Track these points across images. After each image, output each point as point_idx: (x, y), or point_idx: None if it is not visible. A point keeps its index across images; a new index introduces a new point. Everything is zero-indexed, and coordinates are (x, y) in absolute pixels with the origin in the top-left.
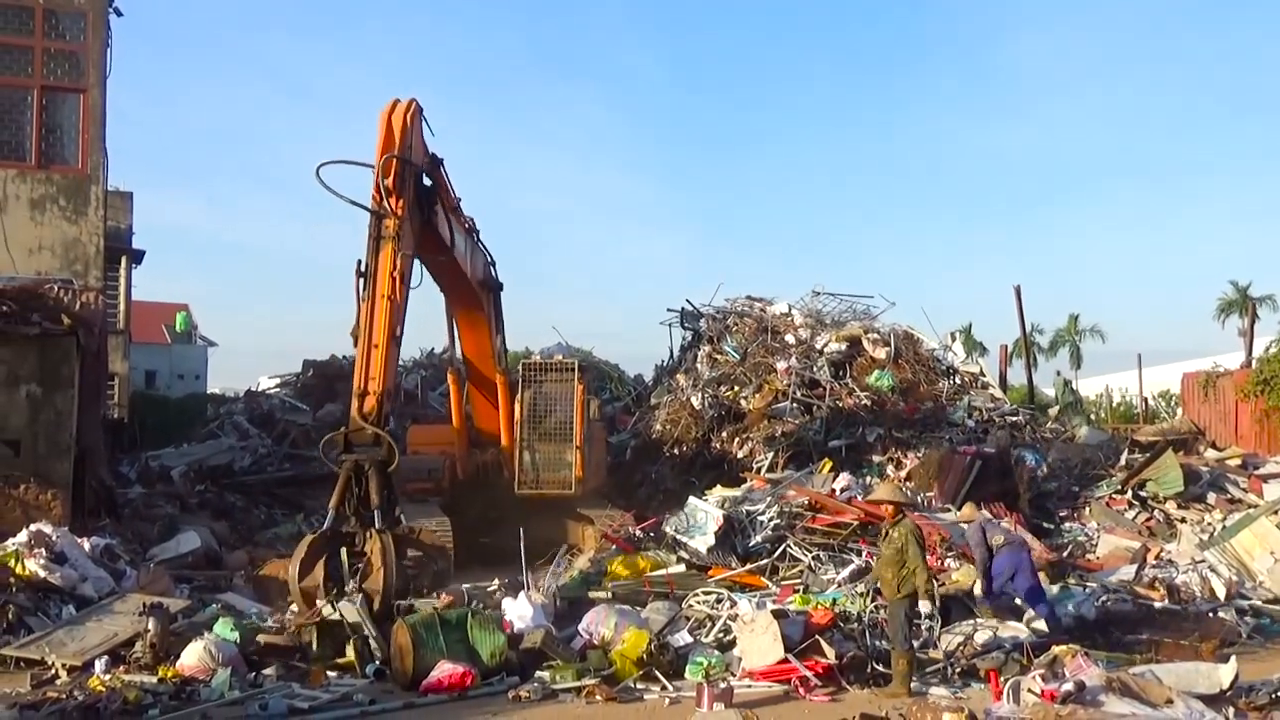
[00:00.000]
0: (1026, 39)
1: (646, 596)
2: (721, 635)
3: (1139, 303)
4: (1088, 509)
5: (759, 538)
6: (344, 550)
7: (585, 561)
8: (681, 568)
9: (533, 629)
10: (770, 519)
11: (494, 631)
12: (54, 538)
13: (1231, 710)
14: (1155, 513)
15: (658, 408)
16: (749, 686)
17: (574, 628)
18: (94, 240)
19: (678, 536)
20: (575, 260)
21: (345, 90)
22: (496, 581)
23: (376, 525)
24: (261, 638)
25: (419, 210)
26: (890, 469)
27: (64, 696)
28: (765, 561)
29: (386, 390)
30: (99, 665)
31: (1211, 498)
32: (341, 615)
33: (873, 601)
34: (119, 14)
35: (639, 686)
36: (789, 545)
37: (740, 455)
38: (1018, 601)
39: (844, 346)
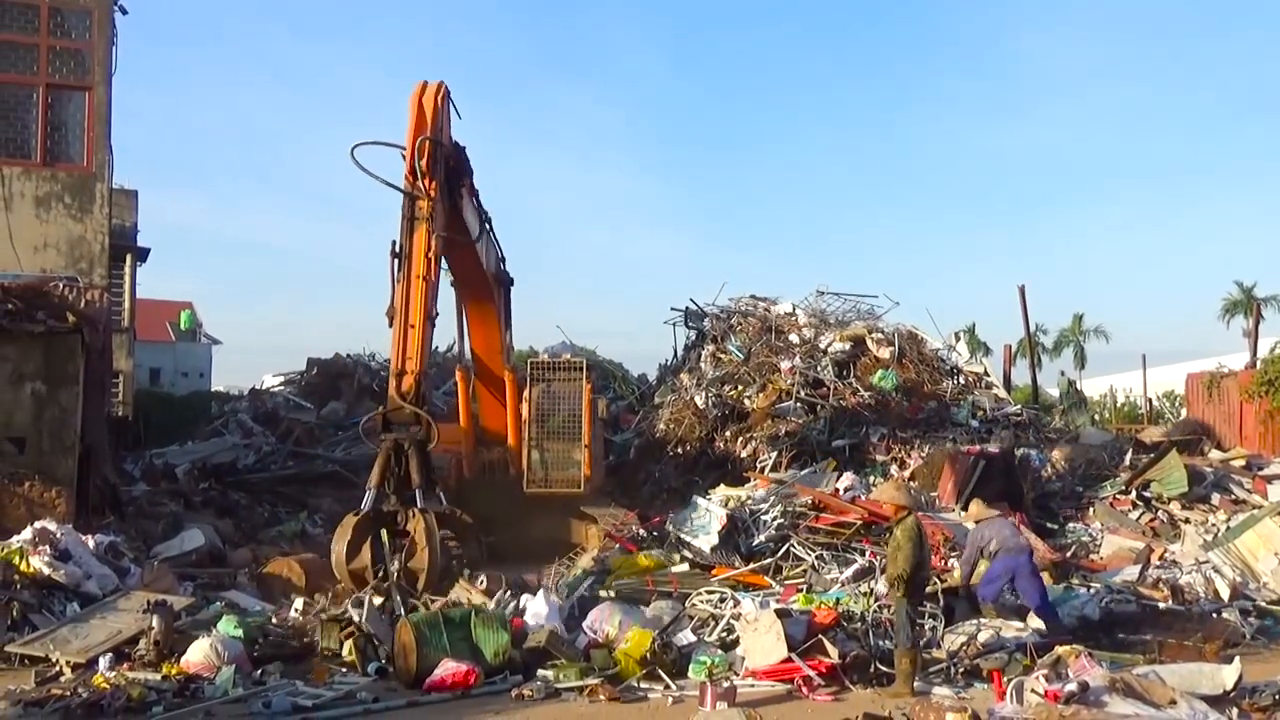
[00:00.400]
0: (1030, 37)
1: (650, 596)
2: (725, 634)
3: (1143, 303)
4: (1092, 509)
5: (762, 537)
6: (385, 530)
7: (589, 560)
8: (685, 567)
9: (543, 627)
10: (774, 518)
11: (497, 630)
12: (58, 535)
13: (1235, 711)
14: (1159, 513)
15: (661, 407)
16: (752, 686)
17: (578, 626)
18: (99, 238)
19: (681, 536)
20: (579, 259)
21: (350, 89)
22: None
23: (419, 504)
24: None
25: (447, 194)
26: (894, 469)
27: (68, 694)
28: (769, 561)
29: (424, 369)
30: (103, 662)
31: (1216, 498)
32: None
33: (875, 601)
34: (124, 12)
35: (643, 686)
36: (792, 545)
37: (744, 455)
38: (1021, 603)
39: (848, 346)
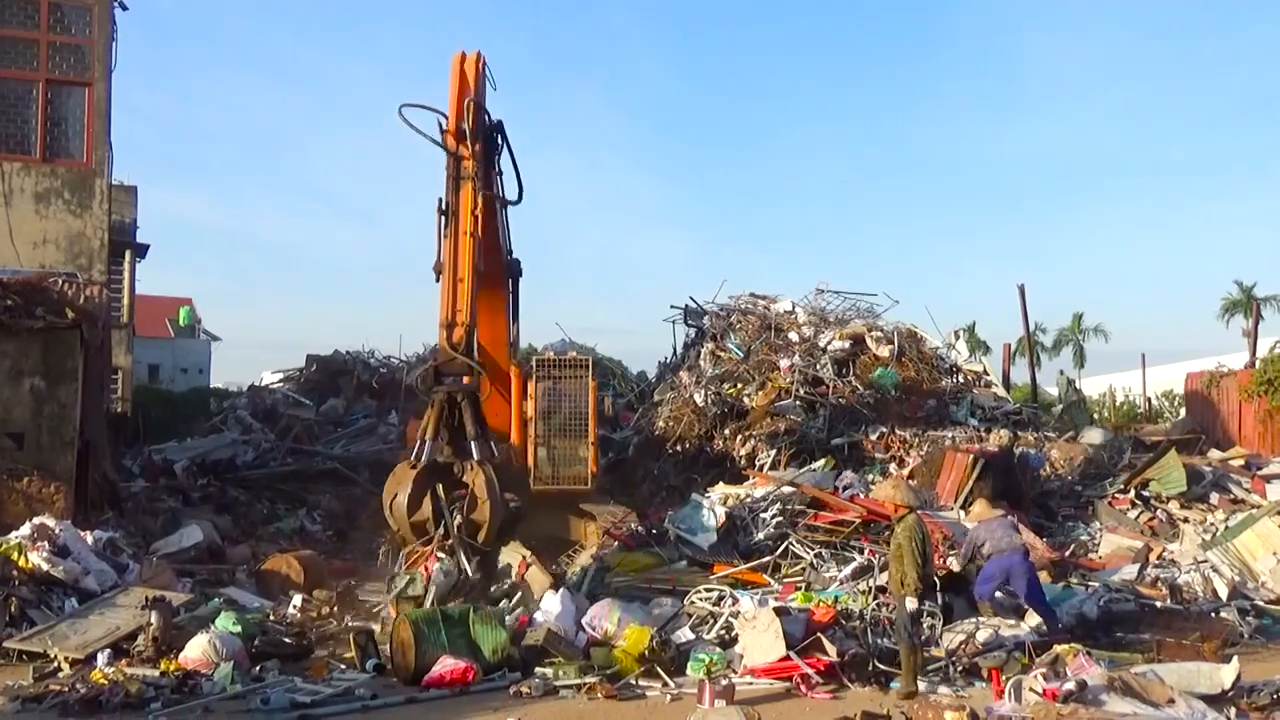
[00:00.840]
0: (1032, 38)
1: (649, 593)
2: (723, 632)
3: (1143, 302)
4: (1090, 508)
5: (761, 535)
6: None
7: (587, 558)
8: (684, 564)
9: (541, 625)
10: (772, 516)
11: (496, 627)
12: (57, 531)
13: (1233, 710)
14: (1158, 512)
15: (660, 404)
16: (750, 684)
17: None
18: (98, 234)
19: (680, 533)
20: (579, 257)
21: (351, 86)
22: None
23: (475, 456)
24: None
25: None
26: (893, 467)
27: (66, 689)
28: (767, 559)
29: (473, 322)
30: (101, 658)
31: (1214, 498)
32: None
33: (874, 599)
34: (124, 8)
35: (641, 683)
36: (791, 543)
37: (743, 453)
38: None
39: (847, 344)
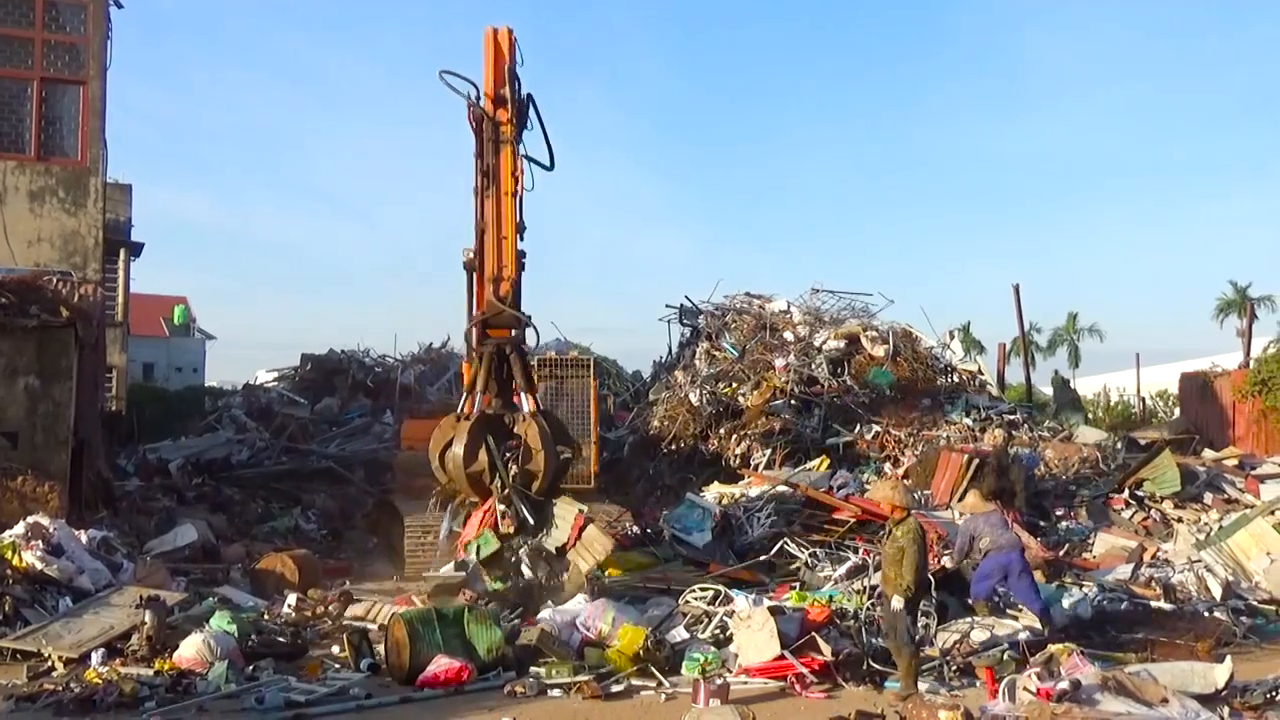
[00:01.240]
0: (1033, 37)
1: (644, 592)
2: (718, 631)
3: (1138, 302)
4: (1084, 508)
5: (756, 534)
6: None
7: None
8: (679, 564)
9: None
10: (767, 515)
11: (490, 627)
12: (51, 530)
13: (1226, 710)
14: (1152, 512)
15: (656, 404)
16: (745, 683)
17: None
18: (93, 232)
19: (675, 532)
20: (577, 256)
21: (352, 85)
22: None
23: (526, 408)
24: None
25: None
26: (888, 467)
27: (60, 688)
28: (762, 558)
29: (518, 277)
30: (95, 657)
31: (1208, 498)
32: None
33: (870, 599)
34: (119, 6)
35: (635, 683)
36: (786, 542)
37: (738, 452)
38: (1013, 600)
39: (842, 344)
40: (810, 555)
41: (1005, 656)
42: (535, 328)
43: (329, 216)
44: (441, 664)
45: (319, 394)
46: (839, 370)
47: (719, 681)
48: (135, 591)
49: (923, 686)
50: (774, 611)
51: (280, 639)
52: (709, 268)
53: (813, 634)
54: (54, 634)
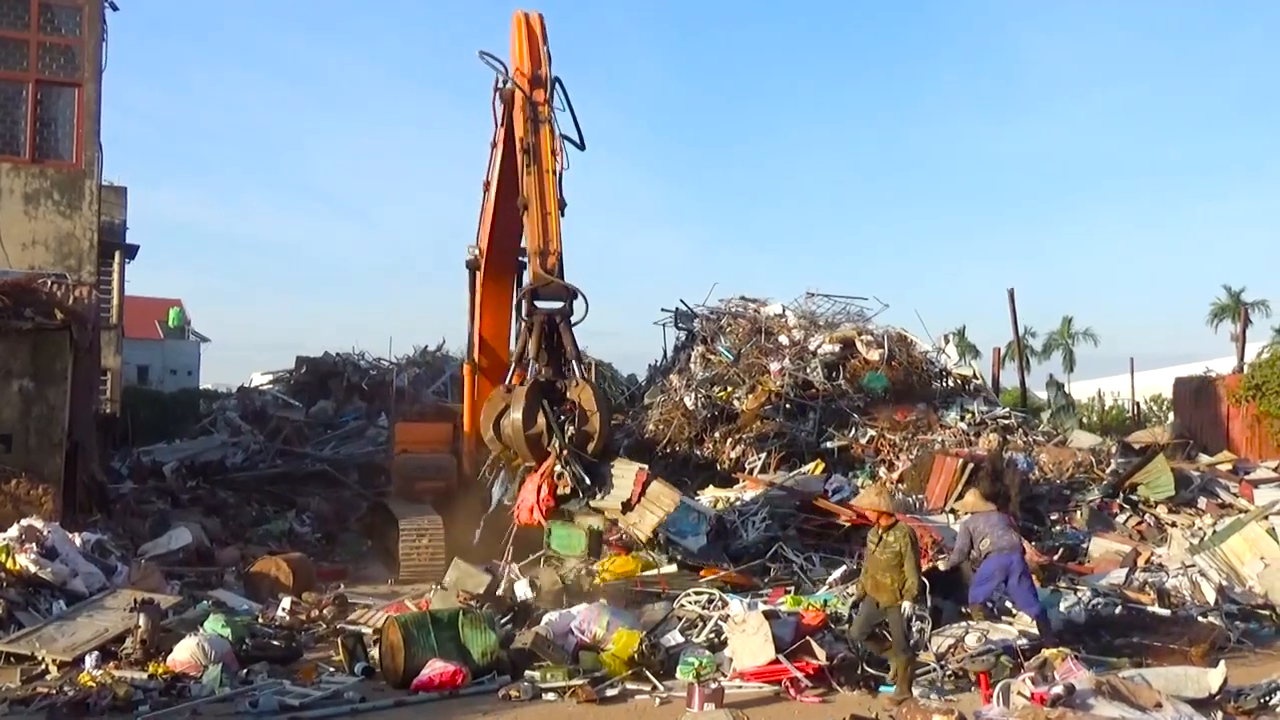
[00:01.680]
0: (1030, 38)
1: (638, 596)
2: (713, 636)
3: (1132, 307)
4: (1078, 512)
5: (751, 538)
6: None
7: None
8: (673, 568)
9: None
10: (762, 519)
11: (485, 630)
12: (45, 533)
13: (1220, 714)
14: (1146, 517)
15: (650, 407)
16: (740, 687)
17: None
18: (88, 235)
19: (670, 536)
20: (573, 258)
21: (351, 85)
22: None
23: (578, 375)
24: None
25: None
26: (882, 471)
27: (54, 692)
28: (757, 562)
29: (561, 249)
30: (89, 661)
31: (1202, 502)
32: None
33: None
34: (114, 8)
35: (630, 686)
36: (780, 546)
37: (733, 456)
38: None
39: (837, 348)
40: (805, 559)
41: (1000, 661)
42: (585, 298)
43: (328, 216)
44: (436, 668)
45: (314, 397)
46: (834, 374)
47: (713, 685)
48: (129, 595)
49: (917, 691)
50: (768, 615)
51: (275, 642)
52: (705, 269)
53: (807, 638)
54: (48, 637)
